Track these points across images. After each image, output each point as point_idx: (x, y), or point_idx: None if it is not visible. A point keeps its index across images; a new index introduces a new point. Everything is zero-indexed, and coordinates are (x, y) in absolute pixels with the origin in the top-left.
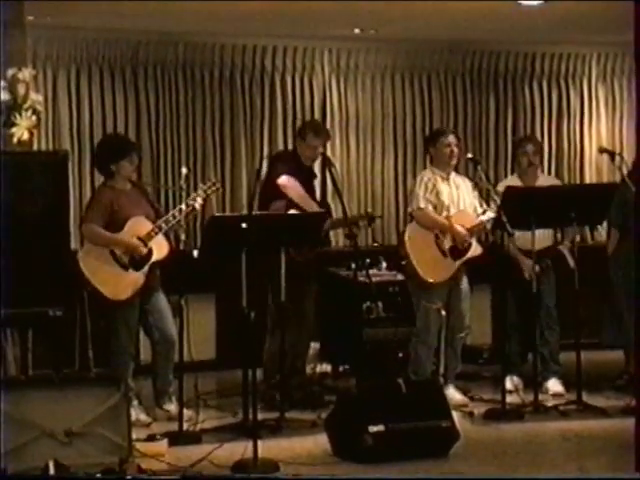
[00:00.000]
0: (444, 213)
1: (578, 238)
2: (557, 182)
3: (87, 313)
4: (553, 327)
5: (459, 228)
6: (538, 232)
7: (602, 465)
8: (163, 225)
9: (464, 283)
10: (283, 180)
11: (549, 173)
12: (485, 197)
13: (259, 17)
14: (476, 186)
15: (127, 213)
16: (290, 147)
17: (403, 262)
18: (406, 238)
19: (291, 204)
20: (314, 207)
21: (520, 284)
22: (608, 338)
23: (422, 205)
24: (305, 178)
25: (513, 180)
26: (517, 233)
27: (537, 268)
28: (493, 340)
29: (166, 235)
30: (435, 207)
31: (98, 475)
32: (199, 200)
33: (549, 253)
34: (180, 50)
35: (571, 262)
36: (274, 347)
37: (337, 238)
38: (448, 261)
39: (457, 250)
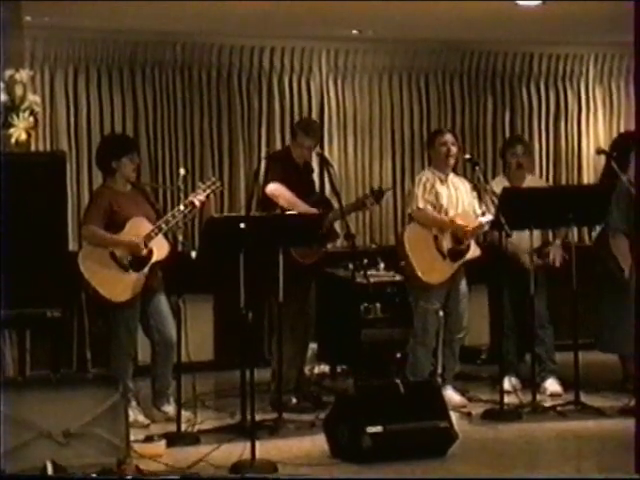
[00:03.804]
0: (442, 215)
1: (576, 239)
2: (543, 183)
3: (85, 314)
4: (546, 326)
5: (459, 221)
6: (526, 233)
7: (600, 465)
8: (163, 225)
9: (462, 284)
10: (270, 189)
11: (547, 174)
12: (484, 198)
13: (257, 17)
14: (475, 188)
15: (127, 214)
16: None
17: (402, 262)
18: (405, 239)
19: (285, 212)
20: (306, 210)
21: (516, 284)
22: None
23: (421, 205)
24: (300, 175)
25: (501, 181)
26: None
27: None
28: (491, 341)
29: (165, 236)
30: (434, 207)
31: (94, 475)
32: (199, 198)
33: (539, 253)
34: (178, 50)
35: (557, 261)
36: (290, 351)
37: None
38: (447, 262)
39: (456, 251)
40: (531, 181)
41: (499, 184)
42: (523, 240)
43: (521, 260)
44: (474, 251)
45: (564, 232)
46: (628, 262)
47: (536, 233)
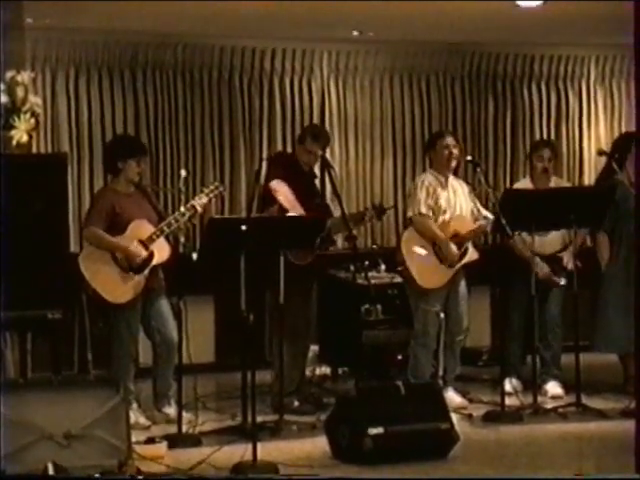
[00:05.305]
0: (441, 217)
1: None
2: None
3: (86, 315)
4: (556, 330)
5: (453, 248)
6: (547, 237)
7: (601, 467)
8: (165, 228)
9: (462, 286)
10: (274, 184)
11: None
12: (484, 200)
13: (258, 19)
14: (473, 190)
15: (129, 216)
16: (289, 149)
17: (399, 268)
18: (403, 244)
19: (283, 209)
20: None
21: (523, 286)
22: (601, 346)
23: (423, 210)
24: (303, 180)
25: (525, 183)
26: (529, 236)
27: (547, 269)
28: (492, 342)
29: (167, 237)
30: (433, 211)
31: (97, 476)
32: (201, 202)
33: (558, 257)
34: (179, 52)
35: (570, 265)
36: (290, 353)
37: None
38: (444, 267)
39: None
40: (555, 184)
41: (522, 187)
42: (544, 245)
43: (536, 270)
44: (471, 255)
45: (582, 237)
46: (605, 257)
47: (557, 237)
